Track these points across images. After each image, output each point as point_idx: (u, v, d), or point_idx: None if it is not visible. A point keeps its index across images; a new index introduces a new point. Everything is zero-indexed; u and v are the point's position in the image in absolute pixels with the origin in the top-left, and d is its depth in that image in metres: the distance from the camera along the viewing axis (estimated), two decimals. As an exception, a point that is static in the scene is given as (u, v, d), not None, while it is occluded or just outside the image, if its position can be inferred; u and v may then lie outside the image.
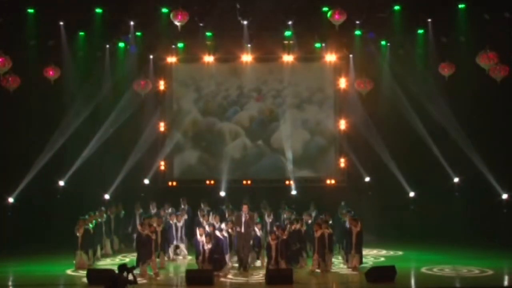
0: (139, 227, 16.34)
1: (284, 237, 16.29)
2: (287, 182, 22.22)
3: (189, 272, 15.08)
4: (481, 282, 14.90)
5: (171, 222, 18.35)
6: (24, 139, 20.98)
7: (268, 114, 22.98)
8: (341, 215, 18.61)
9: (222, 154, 22.81)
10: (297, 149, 22.69)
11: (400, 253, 18.95)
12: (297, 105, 22.94)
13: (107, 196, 20.92)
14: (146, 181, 22.05)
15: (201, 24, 20.60)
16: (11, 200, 20.53)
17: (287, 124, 22.79)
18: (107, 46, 21.87)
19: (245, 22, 20.67)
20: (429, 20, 20.57)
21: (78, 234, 16.90)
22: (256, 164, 22.85)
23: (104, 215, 19.03)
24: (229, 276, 15.88)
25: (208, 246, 16.00)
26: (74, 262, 16.90)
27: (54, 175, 20.99)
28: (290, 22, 20.92)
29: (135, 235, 19.76)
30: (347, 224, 16.94)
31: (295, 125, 22.87)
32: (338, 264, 17.27)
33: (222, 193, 21.57)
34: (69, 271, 16.44)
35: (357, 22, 20.45)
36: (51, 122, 21.22)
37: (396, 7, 19.95)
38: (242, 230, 16.86)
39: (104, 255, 18.64)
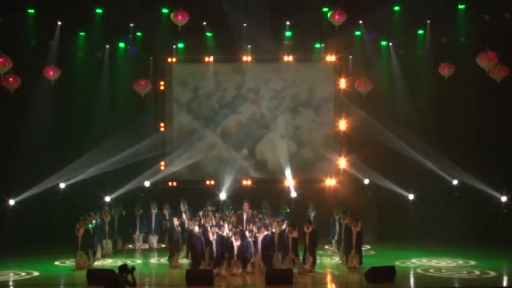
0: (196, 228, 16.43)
1: (259, 236, 16.20)
2: (287, 183, 22.18)
3: (189, 272, 15.09)
4: (480, 283, 14.91)
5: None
6: (24, 140, 20.97)
7: (259, 119, 22.87)
8: (337, 216, 18.63)
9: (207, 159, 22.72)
10: (280, 159, 22.50)
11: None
12: (292, 109, 22.81)
13: (107, 198, 20.88)
14: (147, 183, 22.00)
15: (204, 23, 20.64)
16: (11, 202, 20.49)
17: (276, 132, 22.62)
18: (107, 46, 21.88)
19: (245, 23, 20.74)
20: (429, 20, 20.61)
21: (78, 234, 16.92)
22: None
23: (109, 216, 19.06)
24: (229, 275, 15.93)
25: (237, 243, 16.02)
26: (74, 262, 16.93)
27: (54, 176, 20.95)
28: (290, 23, 20.95)
29: (144, 234, 20.02)
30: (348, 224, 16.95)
31: (285, 132, 22.63)
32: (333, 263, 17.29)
33: (222, 194, 21.53)
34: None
35: (360, 21, 20.51)
36: (51, 123, 21.21)
37: (396, 8, 20.01)
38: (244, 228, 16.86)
39: (105, 256, 18.65)
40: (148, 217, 20.12)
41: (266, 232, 16.30)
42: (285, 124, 22.69)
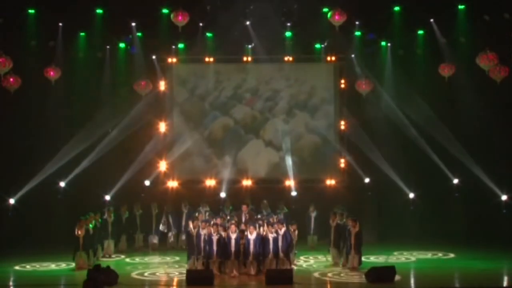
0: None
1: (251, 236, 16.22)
2: (287, 183, 22.19)
3: (189, 272, 15.10)
4: (480, 283, 14.93)
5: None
6: (24, 140, 20.99)
7: (250, 122, 22.78)
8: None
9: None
10: (261, 168, 22.54)
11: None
12: (287, 111, 22.75)
13: (107, 197, 20.92)
14: (147, 182, 22.02)
15: (201, 24, 20.65)
16: (12, 201, 20.51)
17: (263, 139, 22.52)
18: (108, 46, 21.88)
19: (245, 23, 20.74)
20: (429, 20, 20.60)
21: (79, 234, 16.93)
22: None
23: (112, 215, 19.04)
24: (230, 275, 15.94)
25: (242, 241, 16.04)
26: (74, 262, 16.95)
27: (54, 176, 20.97)
28: (290, 23, 20.96)
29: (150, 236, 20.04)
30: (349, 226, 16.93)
31: (273, 138, 22.54)
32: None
33: (223, 194, 21.56)
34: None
35: (357, 23, 20.51)
36: (51, 123, 21.22)
37: (396, 8, 20.03)
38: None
39: (106, 256, 18.66)
40: (148, 218, 20.13)
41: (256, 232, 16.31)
42: (274, 129, 22.60)
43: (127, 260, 18.37)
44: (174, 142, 22.61)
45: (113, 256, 18.90)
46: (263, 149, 22.61)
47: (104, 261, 17.02)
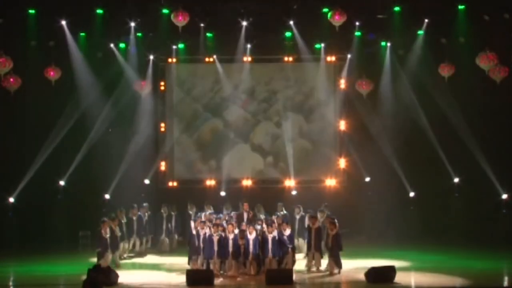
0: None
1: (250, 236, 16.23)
2: (287, 183, 22.20)
3: (189, 272, 15.10)
4: (481, 282, 14.93)
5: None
6: (24, 139, 21.01)
7: (241, 125, 22.72)
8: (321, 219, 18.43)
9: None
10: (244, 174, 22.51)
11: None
12: (282, 113, 22.73)
13: (107, 196, 20.93)
14: (147, 181, 22.05)
15: (201, 25, 20.67)
16: (11, 200, 20.52)
17: (252, 143, 22.58)
18: (108, 46, 21.84)
19: (245, 23, 20.76)
20: (429, 20, 20.62)
21: (105, 235, 16.78)
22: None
23: (124, 217, 18.93)
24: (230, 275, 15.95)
25: (242, 242, 16.05)
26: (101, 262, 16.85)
27: (54, 175, 21.00)
28: (290, 23, 20.98)
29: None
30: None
31: (263, 142, 22.58)
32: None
33: (223, 193, 21.58)
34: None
35: (357, 23, 20.53)
36: (51, 122, 21.22)
37: (396, 8, 20.02)
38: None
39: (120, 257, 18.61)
40: (157, 219, 20.03)
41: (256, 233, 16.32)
42: (264, 133, 22.62)
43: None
44: (170, 143, 22.64)
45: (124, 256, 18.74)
46: (249, 154, 22.63)
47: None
